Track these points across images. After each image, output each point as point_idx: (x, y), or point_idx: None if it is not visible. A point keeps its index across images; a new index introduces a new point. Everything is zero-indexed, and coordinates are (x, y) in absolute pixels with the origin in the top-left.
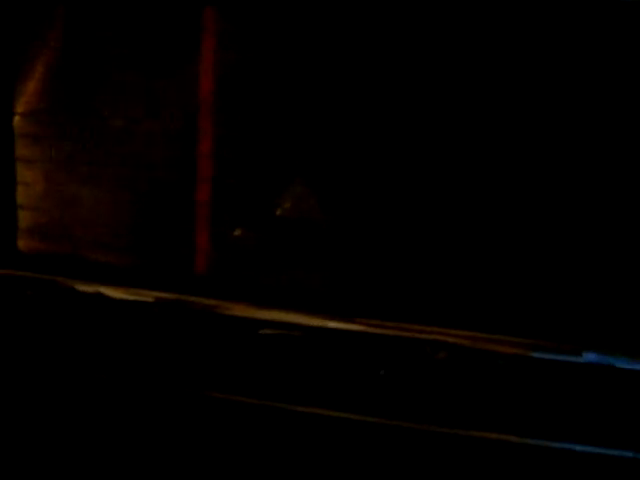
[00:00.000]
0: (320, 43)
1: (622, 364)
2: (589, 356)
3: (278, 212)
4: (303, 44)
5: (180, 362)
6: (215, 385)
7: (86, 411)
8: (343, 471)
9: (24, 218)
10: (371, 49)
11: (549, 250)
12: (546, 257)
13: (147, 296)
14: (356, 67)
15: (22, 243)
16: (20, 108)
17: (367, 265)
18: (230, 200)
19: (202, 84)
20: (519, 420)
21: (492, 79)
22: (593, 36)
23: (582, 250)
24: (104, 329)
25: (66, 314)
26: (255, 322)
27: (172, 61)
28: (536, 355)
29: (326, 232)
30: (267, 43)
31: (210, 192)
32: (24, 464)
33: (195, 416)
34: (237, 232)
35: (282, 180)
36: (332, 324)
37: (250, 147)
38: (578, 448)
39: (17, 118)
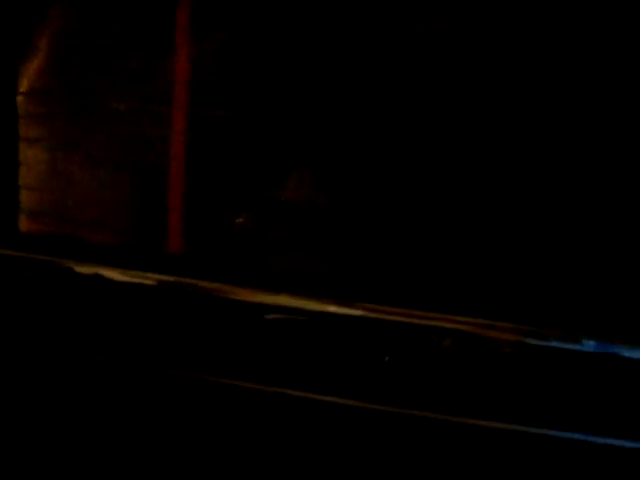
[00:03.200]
0: (315, 17)
1: (624, 352)
2: (590, 344)
3: (271, 194)
4: (294, 18)
5: (177, 346)
6: (221, 371)
7: (82, 393)
8: (349, 458)
9: (25, 199)
10: (372, 25)
11: (552, 237)
12: (550, 244)
13: (146, 278)
14: (356, 43)
15: (23, 224)
16: (23, 87)
17: (371, 251)
18: (208, 182)
19: (177, 65)
20: (526, 409)
21: (491, 67)
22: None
23: (586, 236)
24: (101, 310)
25: (62, 294)
26: (262, 307)
27: (153, 41)
28: (541, 343)
29: (328, 216)
30: (254, 19)
31: (183, 172)
32: (18, 442)
33: (196, 400)
34: (231, 216)
35: (279, 163)
36: (334, 309)
37: (224, 123)
38: (585, 438)
39: (20, 98)
